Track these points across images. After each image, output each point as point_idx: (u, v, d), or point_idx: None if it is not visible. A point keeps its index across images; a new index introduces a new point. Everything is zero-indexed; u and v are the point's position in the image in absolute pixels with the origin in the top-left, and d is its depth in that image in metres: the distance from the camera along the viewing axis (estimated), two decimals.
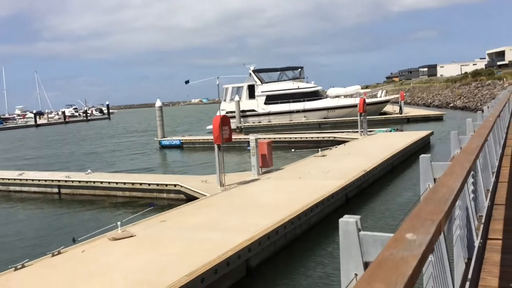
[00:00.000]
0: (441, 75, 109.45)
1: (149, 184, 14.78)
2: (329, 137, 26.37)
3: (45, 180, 16.85)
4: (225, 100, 44.38)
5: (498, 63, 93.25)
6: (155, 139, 33.13)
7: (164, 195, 14.64)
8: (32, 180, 17.18)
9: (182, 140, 31.39)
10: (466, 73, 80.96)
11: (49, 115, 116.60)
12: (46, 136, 59.69)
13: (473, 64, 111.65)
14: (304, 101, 42.47)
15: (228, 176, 14.67)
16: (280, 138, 27.99)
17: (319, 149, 18.11)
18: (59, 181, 16.56)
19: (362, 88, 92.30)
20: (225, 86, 44.52)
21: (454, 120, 37.09)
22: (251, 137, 14.57)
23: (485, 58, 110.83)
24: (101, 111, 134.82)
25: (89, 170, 17.40)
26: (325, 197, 10.94)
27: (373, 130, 29.21)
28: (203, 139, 30.79)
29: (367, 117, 39.62)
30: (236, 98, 42.67)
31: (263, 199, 11.09)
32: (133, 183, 15.04)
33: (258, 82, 43.87)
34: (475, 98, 48.62)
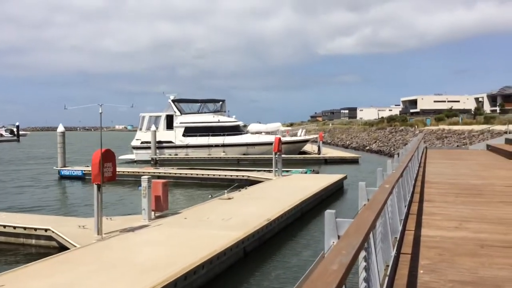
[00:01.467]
0: (360, 117, 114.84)
1: (14, 228, 12.30)
2: (242, 176, 25.08)
3: None
4: (140, 129, 42.02)
5: (411, 110, 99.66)
6: (54, 168, 29.85)
7: (33, 241, 12.23)
8: None
9: (84, 171, 28.48)
10: (382, 117, 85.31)
11: None
12: None
13: (389, 110, 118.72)
14: (224, 135, 41.28)
15: (113, 220, 12.68)
16: (191, 174, 26.22)
17: (225, 191, 16.62)
18: None
19: (287, 126, 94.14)
20: (142, 114, 42.29)
21: (369, 163, 37.67)
22: (144, 177, 12.73)
23: (399, 105, 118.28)
24: (11, 132, 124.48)
25: None
26: (215, 253, 9.35)
27: (290, 170, 28.49)
28: None
29: (286, 156, 39.45)
30: (153, 128, 40.48)
31: (142, 254, 9.26)
32: None
33: (178, 112, 42.12)
34: (389, 143, 50.46)
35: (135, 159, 41.12)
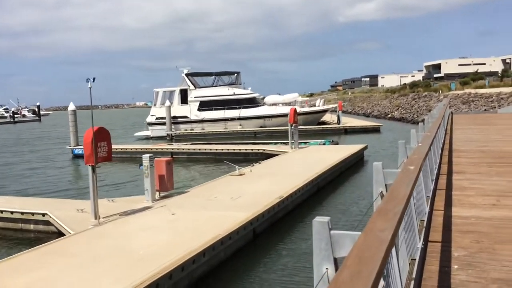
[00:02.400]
0: (382, 85, 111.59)
1: (11, 213, 11.65)
2: (258, 150, 24.08)
3: None
4: (155, 105, 41.27)
5: (435, 75, 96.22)
6: (67, 147, 29.42)
7: (32, 226, 11.57)
8: None
9: None
10: (404, 84, 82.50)
11: None
12: None
13: (412, 76, 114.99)
14: (240, 108, 40.18)
15: (115, 202, 11.91)
16: (205, 149, 25.36)
17: (236, 167, 15.66)
18: None
19: (307, 96, 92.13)
20: (156, 89, 41.43)
21: (391, 132, 36.17)
22: (145, 155, 11.82)
23: (422, 70, 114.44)
24: (34, 112, 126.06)
25: None
26: (219, 238, 8.45)
27: (308, 142, 27.37)
28: (121, 148, 27.55)
29: (304, 127, 38.22)
30: (167, 103, 39.65)
31: (141, 240, 8.43)
32: None
33: (192, 86, 41.08)
34: (412, 110, 48.52)
35: (151, 136, 40.54)
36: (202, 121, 40.19)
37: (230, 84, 42.26)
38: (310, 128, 38.08)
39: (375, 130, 37.25)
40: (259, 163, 18.12)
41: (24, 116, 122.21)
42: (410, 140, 9.08)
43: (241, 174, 15.27)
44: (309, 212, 12.77)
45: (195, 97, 40.67)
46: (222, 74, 42.88)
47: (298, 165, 17.18)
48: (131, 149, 27.22)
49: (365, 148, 22.90)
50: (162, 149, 26.20)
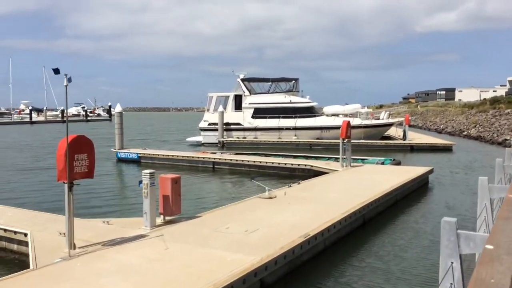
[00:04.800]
0: (459, 99, 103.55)
1: None
2: (305, 166, 21.51)
3: None
4: (208, 110, 39.92)
5: None
6: (112, 150, 28.60)
7: (15, 246, 9.99)
8: None
9: (140, 154, 26.80)
10: (484, 99, 75.51)
11: (51, 113, 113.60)
12: (18, 134, 55.94)
13: (493, 91, 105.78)
14: (296, 117, 37.69)
15: (109, 225, 10.05)
16: (248, 161, 23.20)
17: (266, 189, 13.28)
18: None
19: (376, 108, 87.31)
20: (210, 94, 40.15)
21: (465, 152, 31.90)
22: (145, 171, 9.82)
23: (506, 85, 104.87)
24: (108, 111, 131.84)
25: None
26: None
27: (366, 159, 24.36)
28: (163, 155, 26.19)
29: (365, 141, 34.92)
30: (220, 108, 38.12)
31: None
32: None
33: (247, 92, 39.26)
34: (492, 128, 43.24)
35: (202, 142, 39.23)
36: (255, 129, 38.20)
37: (288, 91, 39.93)
38: (372, 143, 34.77)
39: (447, 149, 33.10)
40: (299, 183, 15.60)
41: (98, 115, 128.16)
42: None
43: (270, 197, 12.87)
44: (347, 253, 10.10)
45: (249, 104, 38.81)
46: (280, 80, 40.67)
47: (343, 189, 14.46)
48: (172, 156, 25.75)
49: (431, 171, 19.56)
50: (203, 158, 24.45)
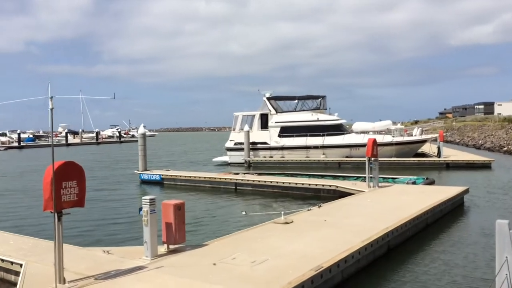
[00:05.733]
0: (498, 113, 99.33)
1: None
2: (330, 186, 20.47)
3: None
4: (234, 130, 39.48)
5: None
6: (135, 171, 28.40)
7: (12, 277, 9.48)
8: None
9: (162, 175, 26.44)
10: None
11: (87, 135, 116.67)
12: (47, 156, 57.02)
13: None
14: (324, 135, 36.65)
15: (109, 254, 9.43)
16: (271, 181, 22.35)
17: (282, 213, 12.39)
18: None
19: (411, 124, 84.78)
20: (236, 113, 39.73)
21: (505, 170, 29.94)
22: (145, 197, 9.17)
23: None
24: None
25: None
26: None
27: (397, 178, 23.09)
28: (185, 176, 25.71)
29: (397, 159, 33.46)
30: (246, 127, 37.59)
31: None
32: None
33: (273, 111, 38.62)
34: None
35: (229, 162, 38.72)
36: (282, 148, 37.37)
37: (315, 109, 39.02)
38: (404, 160, 33.28)
39: (485, 166, 31.20)
40: (319, 206, 14.62)
41: (132, 136, 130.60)
42: None
43: (286, 222, 11.98)
44: (368, 286, 9.07)
45: (275, 122, 38.11)
46: (306, 98, 39.85)
47: (367, 213, 13.39)
48: (194, 177, 25.21)
49: (466, 191, 18.16)
50: (225, 179, 23.78)
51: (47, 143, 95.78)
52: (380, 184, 19.32)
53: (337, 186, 20.15)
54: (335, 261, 8.72)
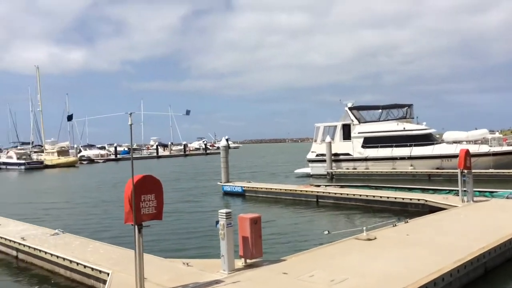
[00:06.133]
0: None
1: (84, 266, 10.29)
2: (418, 200, 19.23)
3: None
4: (315, 141, 38.97)
5: None
6: (218, 183, 29.04)
7: (101, 285, 10.01)
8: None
9: (244, 187, 26.74)
10: None
11: (176, 147, 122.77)
12: (138, 169, 60.28)
13: None
14: (411, 145, 34.79)
15: (189, 266, 9.60)
16: (353, 194, 21.56)
17: (364, 229, 11.77)
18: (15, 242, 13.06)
19: (510, 132, 77.83)
20: (317, 124, 39.24)
21: None
22: (221, 211, 9.19)
23: None
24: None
25: (56, 231, 13.68)
26: None
27: (495, 192, 21.13)
28: (266, 188, 25.75)
29: (495, 170, 30.70)
30: (328, 139, 36.92)
31: None
32: (71, 262, 10.70)
33: (355, 121, 37.53)
34: None
35: (311, 173, 38.23)
36: (366, 159, 36.08)
37: (401, 118, 37.26)
38: (504, 172, 30.44)
39: None
40: (406, 221, 13.72)
41: (217, 148, 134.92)
42: None
43: (369, 239, 11.36)
44: None
45: (359, 133, 36.97)
46: (391, 107, 38.20)
47: (460, 230, 12.28)
48: (275, 189, 25.16)
49: None
50: (306, 191, 23.41)
51: (140, 156, 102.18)
52: (475, 199, 17.74)
53: (426, 200, 18.87)
54: (423, 283, 8.03)
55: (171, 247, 14.29)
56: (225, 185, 27.89)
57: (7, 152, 78.28)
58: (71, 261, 10.65)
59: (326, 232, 12.86)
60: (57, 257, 11.12)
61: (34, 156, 75.08)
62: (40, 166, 69.29)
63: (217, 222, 9.19)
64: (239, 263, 9.58)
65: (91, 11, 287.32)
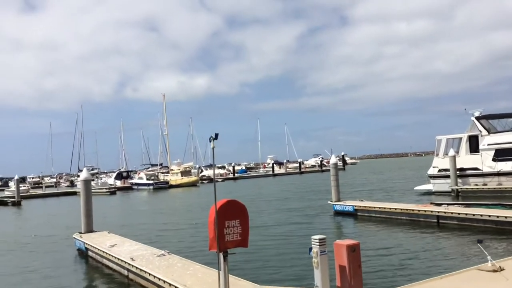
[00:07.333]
0: None
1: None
2: None
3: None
4: (437, 155, 35.74)
5: None
6: (329, 202, 27.97)
7: None
8: None
9: (355, 206, 25.35)
10: None
11: (292, 165, 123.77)
12: (253, 187, 61.31)
13: None
14: None
15: None
16: (481, 215, 18.97)
17: (489, 258, 9.98)
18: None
19: None
20: (438, 137, 36.00)
21: None
22: (314, 237, 8.42)
23: None
24: (343, 160, 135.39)
25: (163, 252, 14.07)
26: None
27: None
28: (379, 207, 24.04)
29: None
30: (451, 152, 33.59)
31: None
32: None
33: (484, 131, 33.57)
34: None
35: (433, 190, 35.03)
36: (499, 174, 31.92)
37: None
38: None
39: None
40: None
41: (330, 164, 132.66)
42: None
43: (495, 270, 9.57)
44: None
45: (488, 145, 32.92)
46: None
47: None
48: (390, 208, 23.35)
49: None
50: (425, 211, 21.28)
51: (256, 174, 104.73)
52: None
53: None
54: None
55: (267, 271, 13.78)
56: (335, 204, 26.77)
57: (139, 174, 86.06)
58: (170, 284, 10.74)
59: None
60: (159, 279, 11.34)
61: (161, 177, 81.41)
62: (166, 186, 74.75)
63: (310, 249, 8.46)
64: None
65: (213, 39, 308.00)
